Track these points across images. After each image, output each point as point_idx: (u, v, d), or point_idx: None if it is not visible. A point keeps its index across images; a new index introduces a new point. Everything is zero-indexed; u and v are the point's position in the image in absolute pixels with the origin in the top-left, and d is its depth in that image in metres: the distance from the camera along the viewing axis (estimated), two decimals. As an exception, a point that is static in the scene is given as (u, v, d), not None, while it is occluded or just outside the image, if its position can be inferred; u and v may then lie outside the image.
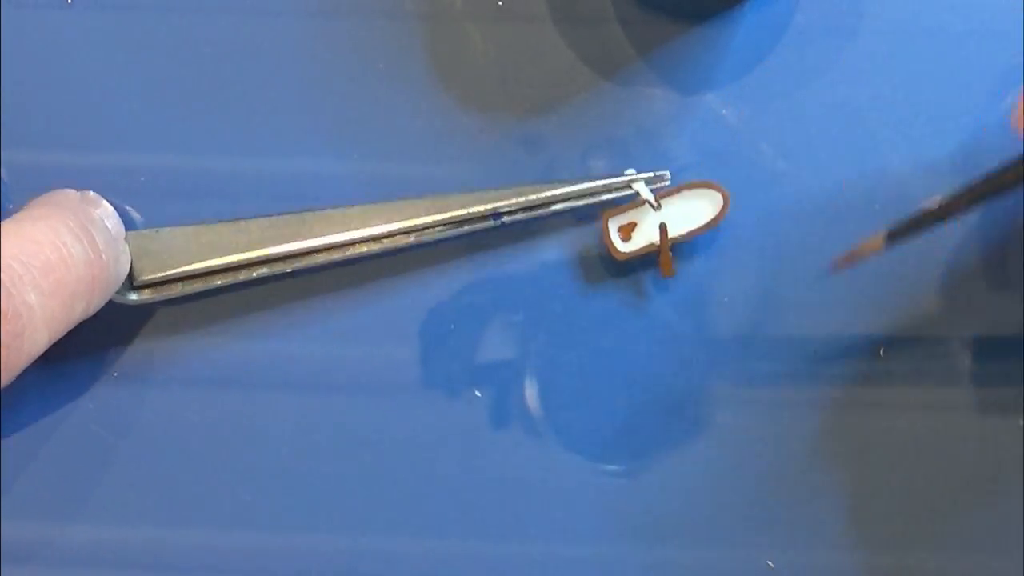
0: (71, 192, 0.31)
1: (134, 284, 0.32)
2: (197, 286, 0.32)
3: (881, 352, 0.33)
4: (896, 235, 0.29)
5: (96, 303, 0.29)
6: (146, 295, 0.32)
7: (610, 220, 0.33)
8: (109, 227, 0.31)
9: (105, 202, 0.32)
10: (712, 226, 0.33)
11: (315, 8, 0.35)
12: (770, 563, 0.32)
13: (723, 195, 0.32)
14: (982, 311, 0.33)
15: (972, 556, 0.32)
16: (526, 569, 0.32)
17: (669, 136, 0.34)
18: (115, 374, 0.33)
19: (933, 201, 0.27)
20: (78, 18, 0.35)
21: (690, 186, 0.33)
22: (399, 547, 0.33)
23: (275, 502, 0.33)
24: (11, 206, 0.34)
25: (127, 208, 0.33)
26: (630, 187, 0.33)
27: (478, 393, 0.33)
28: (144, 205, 0.34)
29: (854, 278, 0.33)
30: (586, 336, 0.33)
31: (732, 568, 0.32)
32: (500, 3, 0.35)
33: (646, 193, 0.32)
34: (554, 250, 0.34)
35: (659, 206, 0.33)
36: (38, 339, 0.27)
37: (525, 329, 0.33)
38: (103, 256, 0.29)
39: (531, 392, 0.33)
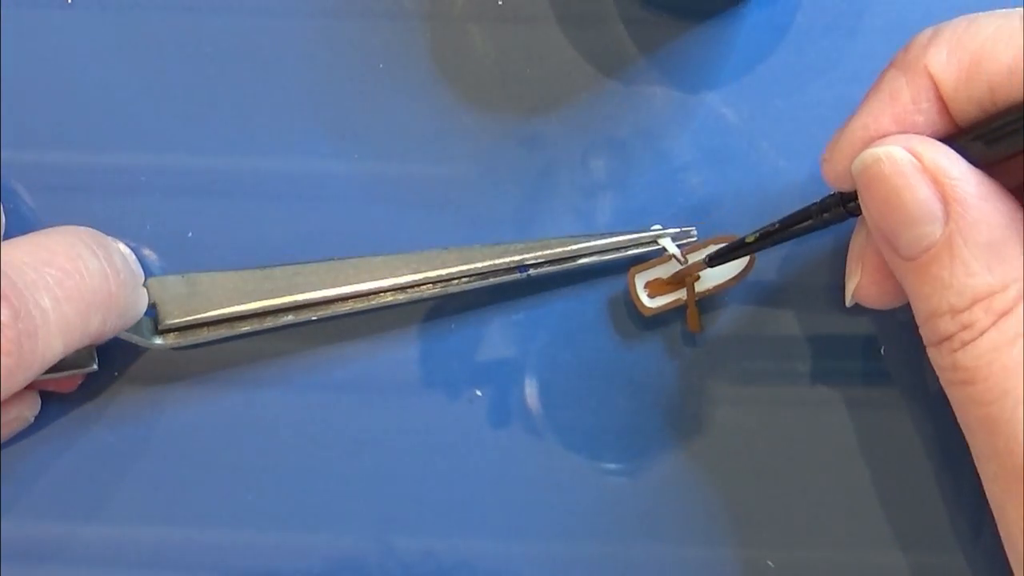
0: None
1: (159, 328, 0.32)
2: (223, 332, 0.32)
3: (882, 351, 0.33)
4: (715, 259, 0.32)
5: (113, 321, 0.29)
6: (171, 340, 0.32)
7: (637, 276, 0.32)
8: (125, 255, 0.31)
9: (121, 244, 0.32)
10: (739, 280, 0.32)
11: (315, 8, 0.35)
12: (770, 563, 0.32)
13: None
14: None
15: (974, 554, 0.32)
16: (526, 568, 0.32)
17: (670, 136, 0.34)
18: (116, 374, 0.33)
19: (751, 235, 0.31)
20: (78, 18, 0.35)
21: (716, 240, 0.32)
22: (399, 546, 0.33)
23: (275, 502, 0.33)
24: (10, 206, 0.34)
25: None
26: (656, 242, 0.33)
27: (479, 392, 0.33)
28: (144, 205, 0.34)
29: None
30: (586, 335, 0.33)
31: (732, 568, 0.32)
32: (500, 2, 0.35)
33: (672, 248, 0.32)
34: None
35: (686, 261, 0.32)
36: (53, 344, 0.27)
37: (525, 328, 0.33)
38: (120, 274, 0.29)
39: (531, 391, 0.33)
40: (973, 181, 0.25)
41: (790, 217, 0.30)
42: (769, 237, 0.30)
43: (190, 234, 0.34)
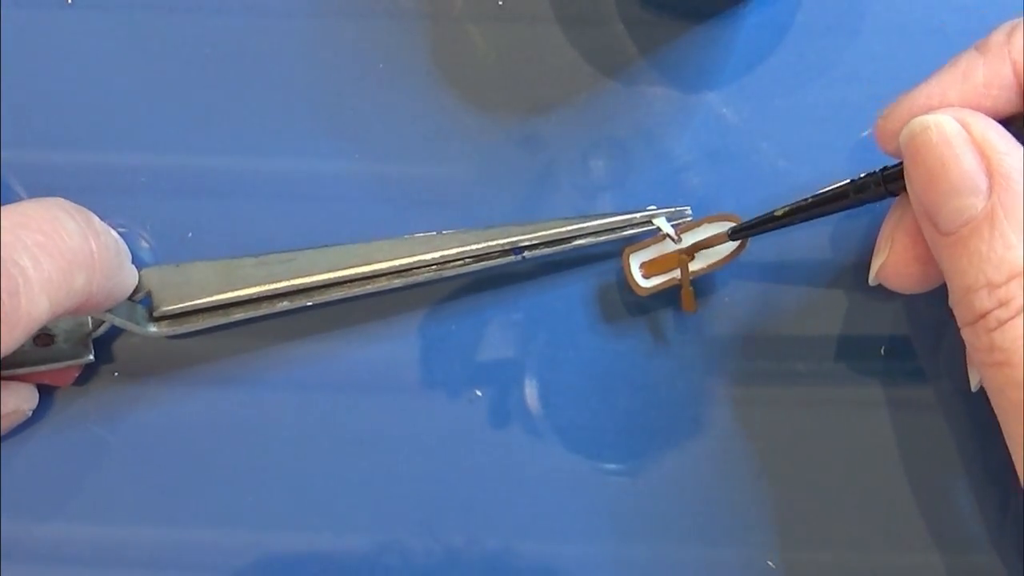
0: None
1: (154, 316, 0.32)
2: (218, 319, 0.32)
3: (882, 351, 0.33)
4: (738, 232, 0.32)
5: (99, 282, 0.29)
6: (165, 327, 0.32)
7: (631, 256, 0.32)
8: (108, 229, 0.31)
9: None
10: (732, 258, 0.32)
11: (315, 8, 0.35)
12: (770, 563, 0.32)
13: None
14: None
15: (973, 555, 0.32)
16: (526, 568, 0.32)
17: (670, 136, 0.34)
18: (115, 373, 0.33)
19: (780, 209, 0.30)
20: (78, 18, 0.35)
21: (710, 220, 0.32)
22: (399, 546, 0.32)
23: (276, 502, 0.33)
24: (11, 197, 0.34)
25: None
26: (651, 222, 0.33)
27: (479, 392, 0.33)
28: (144, 205, 0.34)
29: (855, 277, 0.33)
30: (586, 335, 0.33)
31: (732, 568, 0.32)
32: (500, 2, 0.35)
33: (666, 227, 0.32)
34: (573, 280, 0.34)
35: (680, 240, 0.32)
36: (37, 301, 0.26)
37: (525, 328, 0.33)
38: (100, 236, 0.29)
39: (531, 391, 0.33)
40: (1020, 156, 0.25)
41: (823, 193, 0.29)
42: (799, 212, 0.30)
43: (190, 234, 0.34)
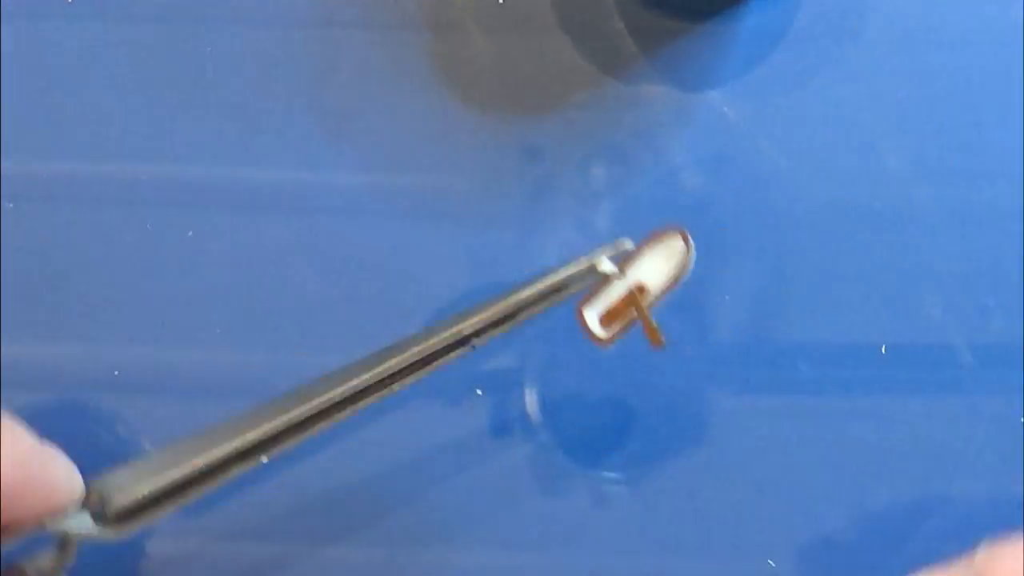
0: None
1: (113, 518, 0.26)
2: (177, 502, 0.27)
3: (883, 350, 0.33)
4: None
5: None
6: (121, 528, 0.26)
7: (585, 311, 0.30)
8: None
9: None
10: (683, 274, 0.30)
11: (316, 17, 0.35)
12: (770, 562, 0.32)
13: (682, 236, 0.29)
14: (983, 314, 0.33)
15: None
16: (525, 574, 0.32)
17: (670, 136, 0.34)
18: (116, 373, 0.33)
19: None
20: (78, 26, 0.35)
21: (649, 243, 0.30)
22: (399, 551, 0.32)
23: (278, 506, 0.33)
24: (11, 205, 0.34)
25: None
26: (595, 267, 0.29)
27: (479, 392, 0.33)
28: (145, 213, 0.34)
29: (855, 280, 0.33)
30: (586, 341, 0.33)
31: (732, 574, 0.32)
32: (501, 1, 0.35)
33: (607, 267, 0.29)
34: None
35: (624, 276, 0.30)
36: None
37: (526, 332, 0.33)
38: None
39: (531, 398, 0.33)
40: None
41: None
42: None
43: (190, 233, 0.34)
